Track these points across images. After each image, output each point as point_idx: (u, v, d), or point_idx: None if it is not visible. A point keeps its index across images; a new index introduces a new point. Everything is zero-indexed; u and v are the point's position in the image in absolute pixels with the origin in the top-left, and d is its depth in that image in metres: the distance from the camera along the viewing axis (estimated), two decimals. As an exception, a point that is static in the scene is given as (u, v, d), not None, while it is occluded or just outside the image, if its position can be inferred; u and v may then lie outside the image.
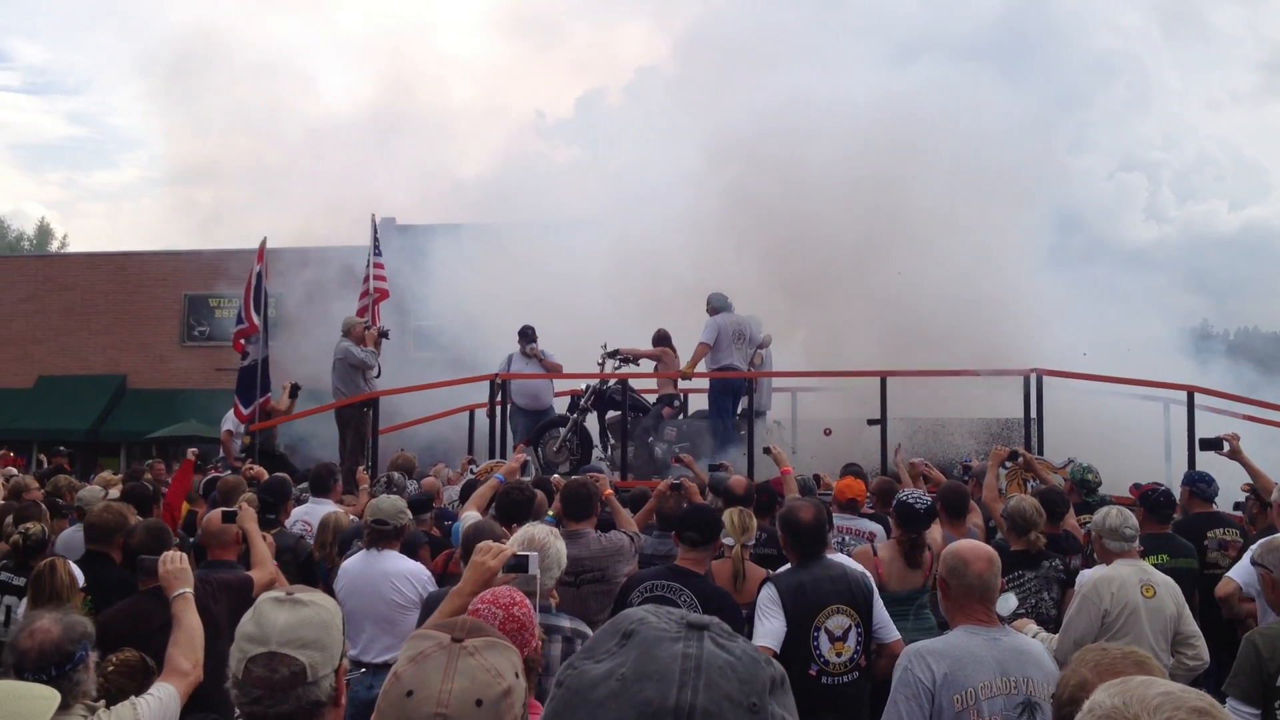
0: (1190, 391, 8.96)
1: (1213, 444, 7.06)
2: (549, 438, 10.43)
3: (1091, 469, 7.12)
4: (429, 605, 3.95)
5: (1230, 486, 7.08)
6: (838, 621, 4.09)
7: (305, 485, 7.79)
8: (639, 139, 16.90)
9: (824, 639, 4.06)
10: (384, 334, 11.26)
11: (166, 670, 3.27)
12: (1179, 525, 6.14)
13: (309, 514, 6.90)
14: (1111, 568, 4.51)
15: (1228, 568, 5.69)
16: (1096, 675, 2.09)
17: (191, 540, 5.87)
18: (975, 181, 12.34)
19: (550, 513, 5.26)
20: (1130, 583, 4.38)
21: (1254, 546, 4.76)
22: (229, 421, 11.32)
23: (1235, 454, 6.80)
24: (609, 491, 5.73)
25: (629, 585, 4.49)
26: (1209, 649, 4.53)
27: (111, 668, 3.28)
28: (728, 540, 4.79)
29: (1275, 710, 3.51)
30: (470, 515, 5.03)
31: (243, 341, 11.26)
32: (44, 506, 6.52)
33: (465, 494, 6.41)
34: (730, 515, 4.84)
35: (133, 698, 3.00)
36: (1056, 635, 4.39)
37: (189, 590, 3.54)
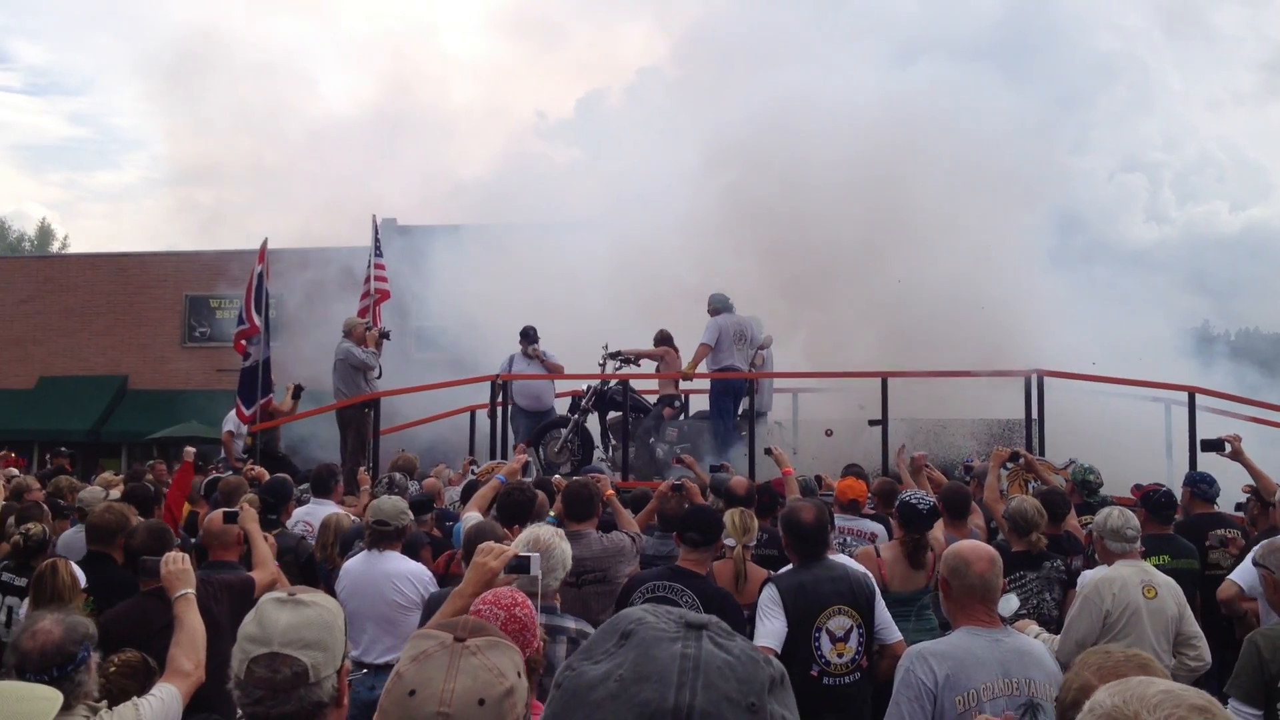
0: (1192, 392, 8.95)
1: (1214, 445, 7.06)
2: (550, 438, 10.43)
3: (1093, 470, 7.11)
4: (431, 606, 3.96)
5: (1231, 488, 7.07)
6: (839, 622, 4.09)
7: (306, 486, 7.79)
8: (640, 140, 16.91)
9: (825, 639, 4.06)
10: (385, 335, 11.25)
11: (168, 671, 3.28)
12: (1180, 526, 6.14)
13: (310, 515, 6.90)
14: (1113, 568, 4.51)
15: (1229, 568, 5.69)
16: (1100, 678, 2.08)
17: (193, 541, 5.87)
18: (976, 182, 12.33)
19: (552, 513, 5.27)
20: (1132, 583, 4.38)
21: (1255, 548, 4.75)
22: (230, 422, 11.32)
23: (1237, 455, 6.80)
24: (610, 492, 5.73)
25: (630, 586, 4.49)
26: (1210, 650, 4.53)
27: (113, 668, 3.28)
28: (729, 541, 4.79)
29: (1277, 711, 3.52)
30: (472, 516, 5.04)
31: (244, 342, 11.26)
32: (45, 507, 6.53)
33: (466, 495, 6.41)
34: (731, 516, 4.83)
35: (135, 698, 3.00)
36: (1058, 636, 4.39)
37: (191, 591, 3.54)
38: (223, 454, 11.44)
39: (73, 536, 6.37)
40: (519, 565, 3.00)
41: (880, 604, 4.28)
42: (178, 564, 3.59)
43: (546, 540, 3.48)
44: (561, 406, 11.30)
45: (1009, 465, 7.43)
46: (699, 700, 0.95)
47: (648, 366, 11.00)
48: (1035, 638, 3.82)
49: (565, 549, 3.54)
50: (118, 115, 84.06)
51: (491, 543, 3.06)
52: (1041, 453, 8.71)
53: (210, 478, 8.48)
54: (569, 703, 1.00)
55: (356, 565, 5.10)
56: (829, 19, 15.30)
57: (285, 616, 1.95)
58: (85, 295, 22.85)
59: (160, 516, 6.57)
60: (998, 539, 5.76)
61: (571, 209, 15.96)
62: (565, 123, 26.94)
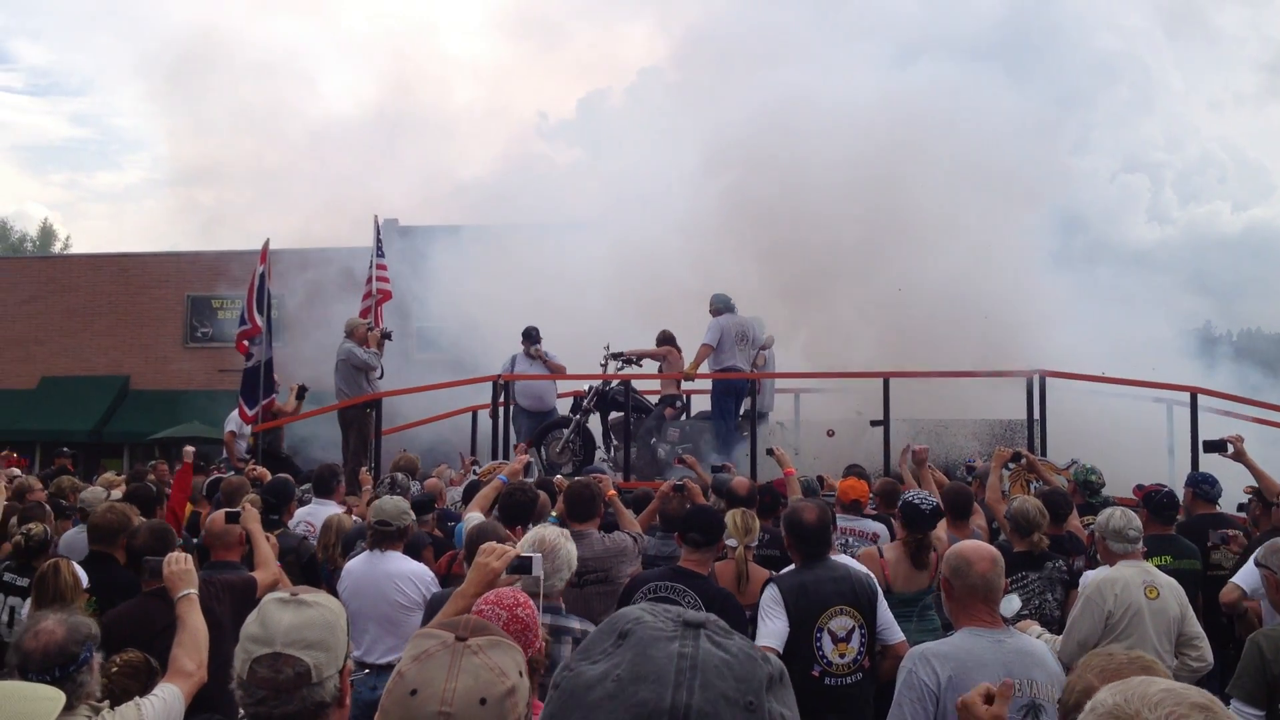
0: (1194, 393, 8.95)
1: (1216, 446, 7.06)
2: (552, 439, 10.44)
3: (1095, 470, 7.11)
4: (433, 606, 3.96)
5: (1233, 488, 7.06)
6: (841, 622, 4.09)
7: (308, 486, 7.79)
8: (640, 140, 16.90)
9: (827, 640, 4.06)
10: (386, 335, 11.26)
11: (171, 671, 3.28)
12: (1182, 526, 6.13)
13: (312, 515, 6.90)
14: (1115, 569, 4.51)
15: (1231, 568, 5.69)
16: (1103, 681, 2.08)
17: (195, 541, 5.87)
18: (977, 182, 12.33)
19: (553, 514, 5.27)
20: (1134, 584, 4.38)
21: (1258, 550, 4.75)
22: (233, 422, 11.33)
23: (1239, 455, 6.79)
24: (612, 492, 5.73)
25: (632, 586, 4.49)
26: (1212, 650, 4.53)
27: (115, 669, 3.28)
28: (731, 541, 4.79)
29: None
30: (474, 516, 5.03)
31: (246, 343, 11.27)
32: (47, 508, 6.53)
33: (468, 495, 6.41)
34: (733, 516, 4.83)
35: (137, 699, 3.00)
36: (1060, 637, 4.38)
37: (193, 591, 3.54)
38: (225, 454, 11.46)
39: (75, 537, 6.38)
40: (521, 565, 3.00)
41: (882, 604, 4.28)
42: (180, 564, 3.59)
43: (552, 541, 3.48)
44: (563, 407, 11.31)
45: (1011, 466, 7.43)
46: (696, 699, 0.94)
47: (649, 367, 11.01)
48: (1037, 638, 3.81)
49: (571, 550, 3.55)
50: (119, 116, 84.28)
51: (493, 543, 3.07)
52: (1043, 453, 8.71)
53: (212, 478, 8.49)
54: (567, 703, 0.99)
55: (358, 565, 5.11)
56: (829, 19, 15.32)
57: (288, 617, 1.95)
58: (87, 296, 22.87)
59: (162, 517, 6.57)
60: (1000, 539, 5.76)
61: (572, 209, 15.97)
62: (566, 123, 27.01)
